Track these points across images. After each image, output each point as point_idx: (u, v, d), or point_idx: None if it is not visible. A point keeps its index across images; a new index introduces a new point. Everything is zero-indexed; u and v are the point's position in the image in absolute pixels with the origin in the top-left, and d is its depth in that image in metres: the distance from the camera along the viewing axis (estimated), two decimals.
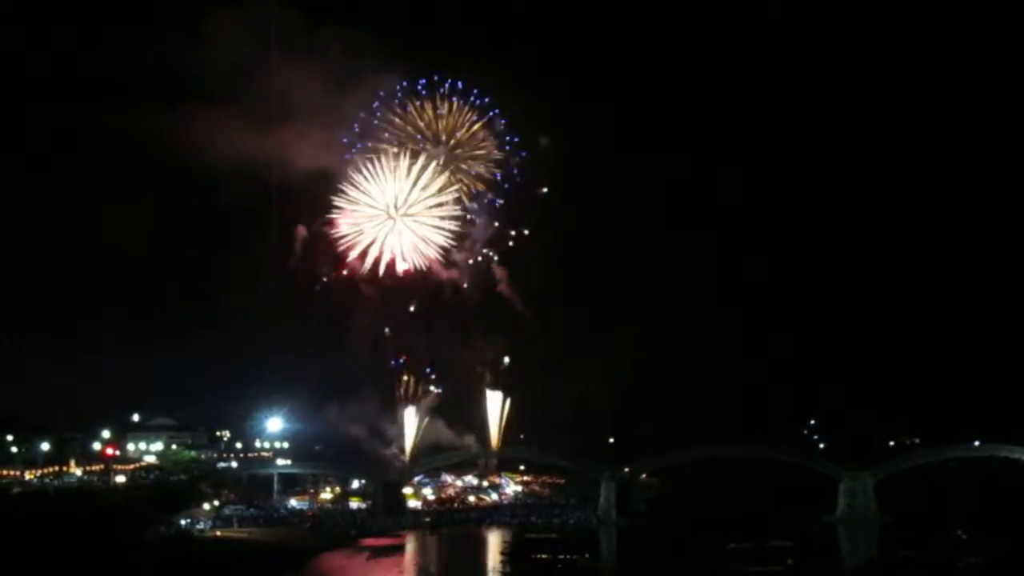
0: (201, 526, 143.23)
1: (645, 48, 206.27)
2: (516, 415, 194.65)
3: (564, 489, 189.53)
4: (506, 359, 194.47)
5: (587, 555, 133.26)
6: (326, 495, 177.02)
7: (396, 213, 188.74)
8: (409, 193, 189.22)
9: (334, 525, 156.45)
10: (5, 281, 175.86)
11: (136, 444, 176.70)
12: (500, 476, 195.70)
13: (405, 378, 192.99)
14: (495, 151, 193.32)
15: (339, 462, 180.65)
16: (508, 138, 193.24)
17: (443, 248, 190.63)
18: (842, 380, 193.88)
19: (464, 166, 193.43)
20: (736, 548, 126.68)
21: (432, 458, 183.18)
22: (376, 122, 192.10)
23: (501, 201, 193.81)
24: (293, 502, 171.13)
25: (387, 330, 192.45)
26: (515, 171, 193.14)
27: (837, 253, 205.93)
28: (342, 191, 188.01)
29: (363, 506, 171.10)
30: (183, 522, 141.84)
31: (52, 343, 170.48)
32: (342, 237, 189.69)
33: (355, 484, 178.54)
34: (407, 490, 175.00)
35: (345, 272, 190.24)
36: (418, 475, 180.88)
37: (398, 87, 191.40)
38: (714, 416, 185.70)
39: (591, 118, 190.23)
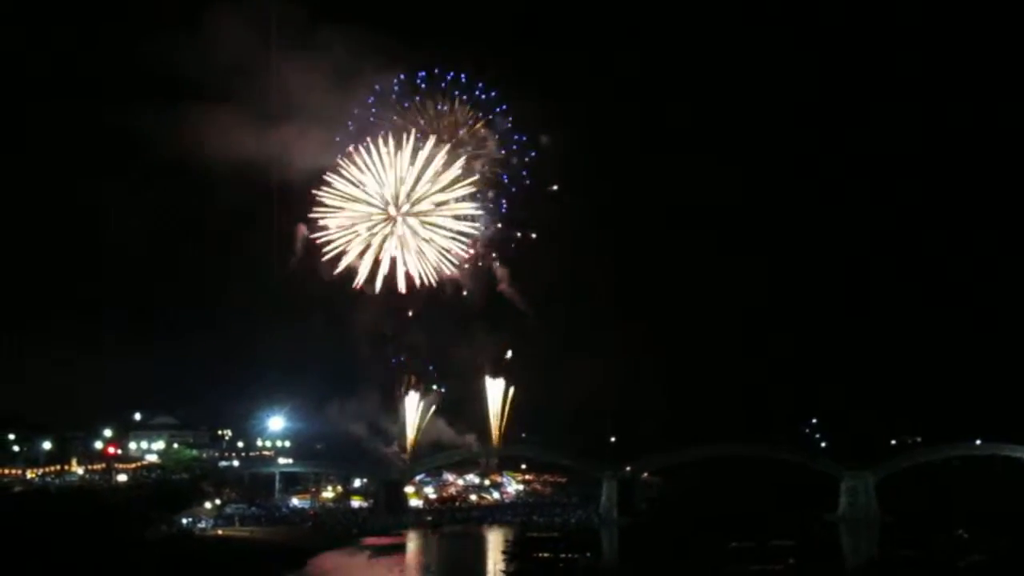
0: (203, 525, 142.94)
1: (645, 48, 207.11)
2: (517, 413, 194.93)
3: (566, 488, 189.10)
4: (508, 352, 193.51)
5: (589, 554, 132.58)
6: (328, 494, 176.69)
7: (397, 211, 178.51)
8: (413, 187, 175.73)
9: (336, 524, 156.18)
10: (5, 281, 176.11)
11: (138, 443, 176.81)
12: (502, 475, 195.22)
13: (406, 377, 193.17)
14: (496, 150, 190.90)
15: (340, 461, 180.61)
16: (516, 137, 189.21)
17: (448, 250, 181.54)
18: (843, 379, 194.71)
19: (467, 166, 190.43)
20: (738, 547, 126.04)
21: (433, 457, 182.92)
22: (371, 119, 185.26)
23: (505, 201, 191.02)
24: (295, 501, 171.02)
25: (388, 330, 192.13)
26: (523, 171, 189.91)
27: (837, 253, 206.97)
28: (329, 185, 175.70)
29: (365, 505, 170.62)
30: (185, 521, 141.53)
31: (52, 343, 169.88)
32: (329, 242, 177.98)
33: (356, 483, 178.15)
34: (409, 489, 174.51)
35: (336, 274, 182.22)
36: (419, 474, 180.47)
37: (395, 81, 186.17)
38: (716, 415, 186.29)
39: (591, 118, 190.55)
